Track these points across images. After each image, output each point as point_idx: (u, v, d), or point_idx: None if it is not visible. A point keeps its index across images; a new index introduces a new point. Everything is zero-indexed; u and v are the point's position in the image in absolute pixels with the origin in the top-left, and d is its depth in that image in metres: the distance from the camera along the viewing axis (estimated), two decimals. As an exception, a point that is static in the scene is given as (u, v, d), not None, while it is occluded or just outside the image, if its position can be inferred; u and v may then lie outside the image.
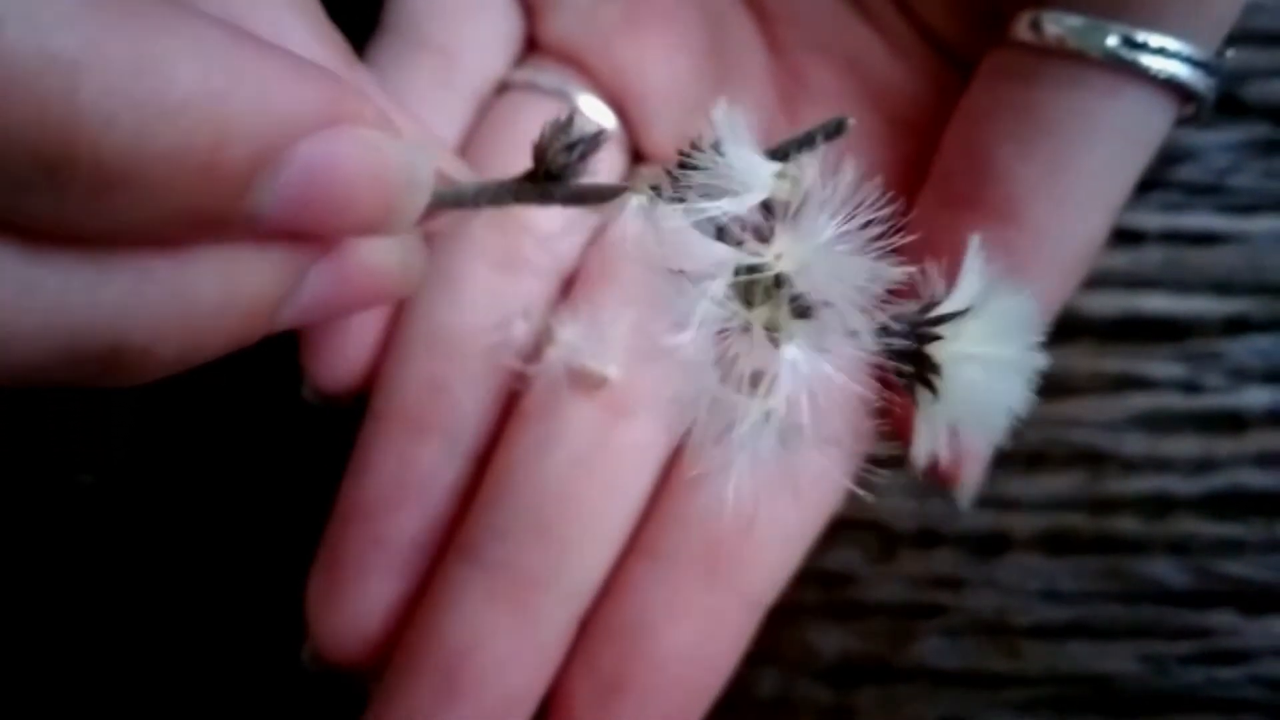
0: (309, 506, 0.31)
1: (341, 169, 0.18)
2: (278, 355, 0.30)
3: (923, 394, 0.18)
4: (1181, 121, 0.27)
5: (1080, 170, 0.26)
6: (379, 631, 0.29)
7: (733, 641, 0.29)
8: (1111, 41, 0.25)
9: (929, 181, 0.29)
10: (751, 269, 0.18)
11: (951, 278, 0.19)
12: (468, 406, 0.29)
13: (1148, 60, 0.25)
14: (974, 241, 0.19)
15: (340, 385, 0.30)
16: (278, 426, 0.35)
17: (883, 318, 0.18)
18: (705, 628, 0.28)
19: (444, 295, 0.30)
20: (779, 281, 0.18)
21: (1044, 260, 0.27)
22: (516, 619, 0.28)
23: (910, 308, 0.18)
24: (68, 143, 0.15)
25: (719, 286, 0.18)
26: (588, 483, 0.28)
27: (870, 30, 0.30)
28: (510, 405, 0.30)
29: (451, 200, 0.22)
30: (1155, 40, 0.25)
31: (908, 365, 0.18)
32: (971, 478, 0.28)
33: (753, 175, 0.18)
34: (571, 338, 0.28)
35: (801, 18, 0.30)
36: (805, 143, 0.19)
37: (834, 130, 0.19)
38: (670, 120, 0.31)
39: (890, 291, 0.18)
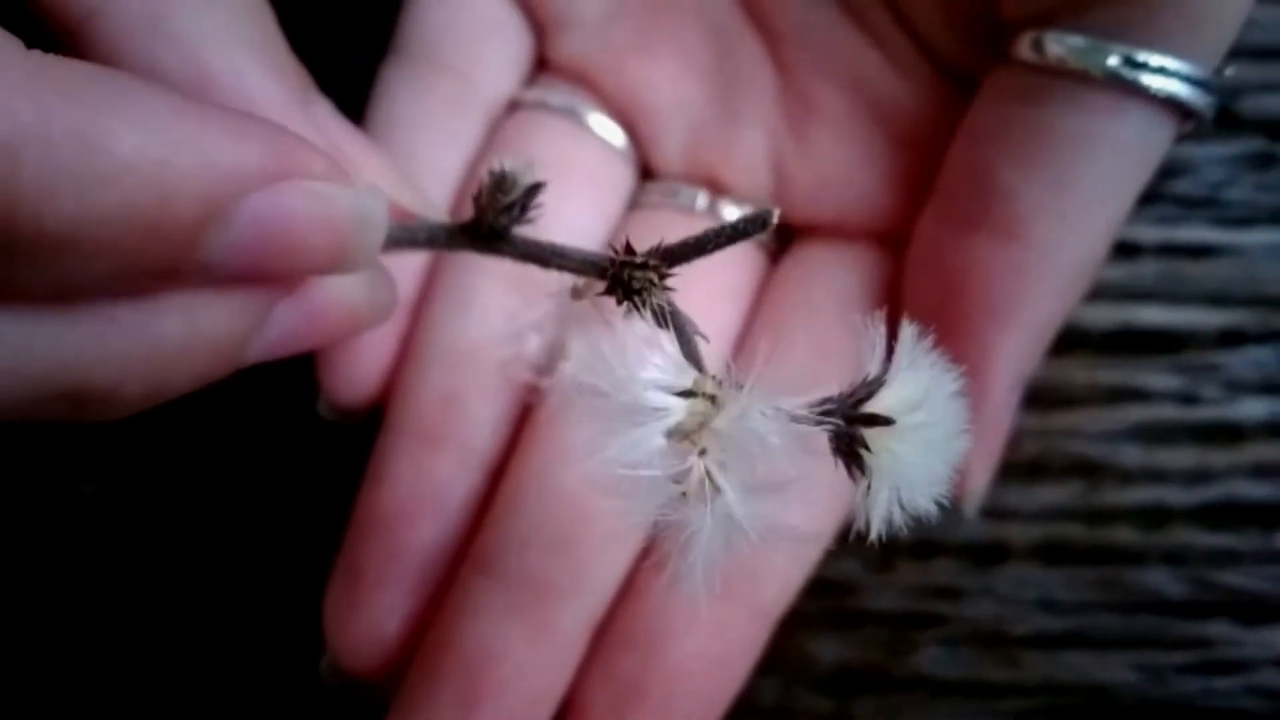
0: (316, 517, 0.31)
1: (290, 220, 0.19)
2: (290, 368, 0.31)
3: (858, 479, 0.20)
4: (1180, 138, 0.27)
5: (1083, 188, 0.27)
6: (397, 642, 0.29)
7: (744, 651, 0.29)
8: (1113, 61, 0.26)
9: (932, 199, 0.29)
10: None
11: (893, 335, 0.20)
12: (482, 419, 0.30)
13: (1148, 79, 0.26)
14: (906, 328, 0.19)
15: (356, 399, 0.31)
16: (285, 437, 0.35)
17: (814, 421, 0.19)
18: (717, 637, 0.29)
19: (458, 310, 0.30)
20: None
21: (1048, 277, 0.27)
22: (534, 628, 0.28)
23: (844, 400, 0.20)
24: (9, 218, 0.16)
25: (649, 476, 0.19)
26: (601, 494, 0.28)
27: (875, 50, 0.30)
28: (524, 418, 0.30)
29: (404, 240, 0.23)
30: (1155, 60, 0.25)
31: (844, 457, 0.20)
32: (976, 488, 0.29)
33: (662, 400, 0.19)
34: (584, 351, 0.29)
35: (808, 38, 0.31)
36: (734, 234, 0.20)
37: (758, 224, 0.20)
38: (679, 138, 0.32)
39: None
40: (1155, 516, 0.34)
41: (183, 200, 0.17)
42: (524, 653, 0.28)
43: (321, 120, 0.26)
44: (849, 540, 0.31)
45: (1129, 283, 0.35)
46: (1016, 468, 0.34)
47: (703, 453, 0.19)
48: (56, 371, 0.18)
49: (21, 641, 0.35)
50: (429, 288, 0.31)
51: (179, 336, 0.19)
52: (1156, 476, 0.35)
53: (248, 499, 0.35)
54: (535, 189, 0.22)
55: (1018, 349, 0.28)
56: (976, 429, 0.28)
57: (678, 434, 0.19)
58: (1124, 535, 0.34)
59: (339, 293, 0.22)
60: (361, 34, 0.31)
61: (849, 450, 0.20)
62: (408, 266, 0.31)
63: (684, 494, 0.19)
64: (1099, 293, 0.34)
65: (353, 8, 0.33)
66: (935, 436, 0.20)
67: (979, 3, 0.28)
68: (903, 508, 0.19)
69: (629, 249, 0.21)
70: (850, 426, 0.19)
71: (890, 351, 0.20)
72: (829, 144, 0.31)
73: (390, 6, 0.32)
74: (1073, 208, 0.27)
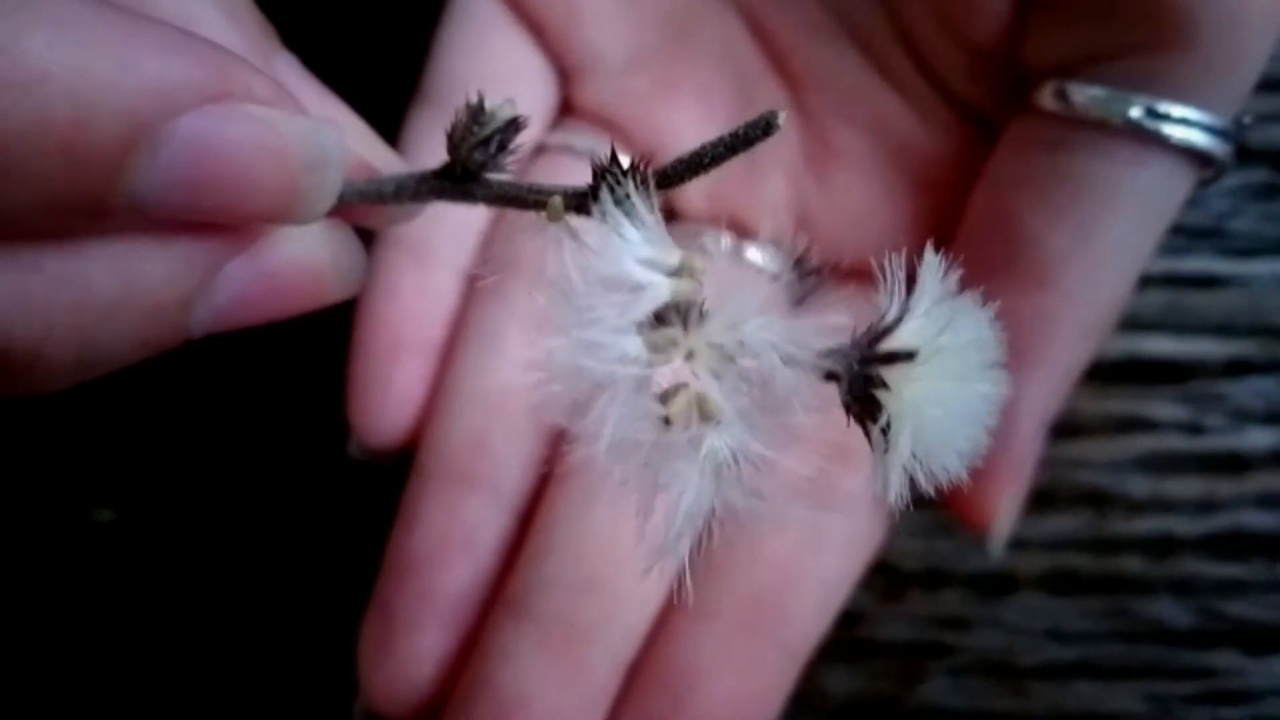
0: (345, 557, 0.31)
1: (230, 147, 0.17)
2: (319, 407, 0.31)
3: (876, 434, 0.17)
4: (1200, 183, 0.27)
5: (1108, 236, 0.27)
6: (431, 683, 0.29)
7: (774, 690, 0.30)
8: (1135, 112, 0.26)
9: (956, 244, 0.29)
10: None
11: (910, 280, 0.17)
12: (512, 462, 0.30)
13: (1170, 130, 0.26)
14: (930, 259, 0.17)
15: (386, 441, 0.31)
16: (314, 477, 0.35)
17: (827, 363, 0.17)
18: (748, 677, 0.29)
19: (487, 353, 0.30)
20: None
21: (1075, 322, 0.28)
22: (567, 669, 0.28)
23: (859, 340, 0.17)
24: None
25: (625, 395, 0.16)
26: (631, 534, 0.28)
27: (895, 94, 0.31)
28: (553, 459, 0.30)
29: (370, 194, 0.21)
30: (1178, 111, 0.26)
31: (858, 406, 0.17)
32: (1002, 527, 0.29)
33: (646, 275, 0.16)
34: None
35: (829, 83, 0.31)
36: (734, 144, 0.18)
37: (763, 129, 0.17)
38: (702, 181, 0.32)
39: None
40: (1162, 546, 0.35)
41: (104, 117, 0.15)
42: (556, 694, 0.28)
43: (284, 73, 0.23)
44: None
45: (1135, 313, 0.35)
46: (1025, 497, 0.34)
47: (690, 356, 0.16)
48: None
49: (36, 672, 0.35)
50: (458, 331, 0.31)
51: (111, 290, 0.17)
52: (1164, 506, 0.35)
53: (276, 540, 0.35)
54: (514, 124, 0.20)
55: (1044, 393, 0.28)
56: (1002, 471, 0.28)
57: (661, 339, 0.16)
58: (1132, 565, 0.35)
59: (297, 252, 0.19)
60: (389, 80, 0.31)
61: (864, 396, 0.17)
62: (437, 311, 0.31)
63: (665, 420, 0.16)
64: (1106, 323, 0.35)
65: (381, 54, 0.33)
66: (963, 368, 0.17)
67: (1001, 50, 0.28)
68: (926, 464, 0.17)
69: (614, 158, 0.18)
70: (866, 367, 0.17)
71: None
72: (850, 186, 0.31)
73: (418, 52, 0.32)
74: (1098, 255, 0.27)
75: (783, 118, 0.17)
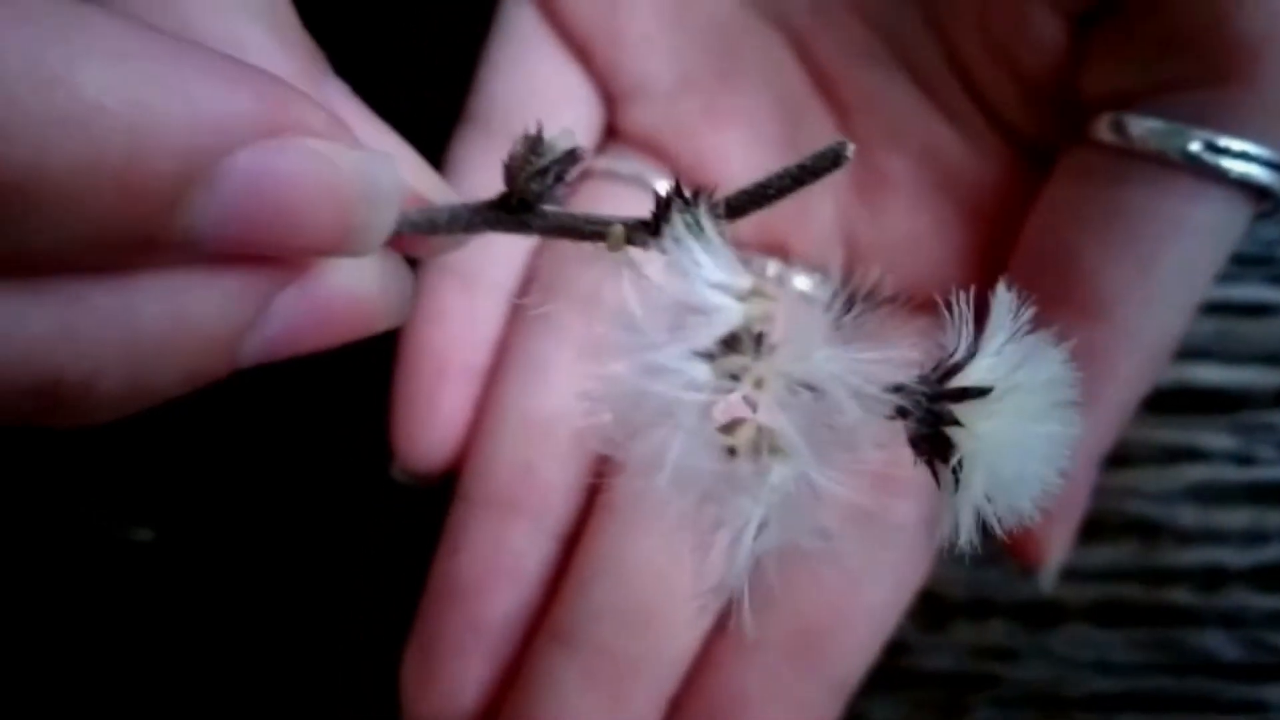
0: (386, 579, 0.31)
1: (287, 182, 0.16)
2: (362, 429, 0.31)
3: (944, 473, 0.17)
4: (1257, 217, 0.27)
5: (1166, 271, 0.27)
6: (474, 711, 0.29)
7: None
8: (1194, 146, 0.26)
9: (1009, 276, 0.29)
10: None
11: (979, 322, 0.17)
12: (557, 488, 0.30)
13: (1229, 164, 0.26)
14: (1002, 293, 0.17)
15: (430, 466, 0.31)
16: (357, 499, 0.35)
17: (895, 400, 0.16)
18: (794, 709, 0.29)
19: (532, 378, 0.30)
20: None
21: (1132, 357, 0.27)
22: (612, 701, 0.28)
23: (928, 377, 0.17)
24: None
25: (690, 423, 0.15)
26: (678, 563, 0.28)
27: (945, 121, 0.30)
28: (598, 486, 0.30)
29: (423, 224, 0.20)
30: (1237, 145, 0.25)
31: (927, 445, 0.17)
32: (1054, 562, 0.28)
33: (717, 299, 0.16)
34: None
35: (877, 109, 0.31)
36: (800, 176, 0.17)
37: (831, 161, 0.17)
38: None
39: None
40: (1212, 578, 0.34)
41: (160, 151, 0.15)
42: None
43: (334, 99, 0.22)
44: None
45: (1185, 341, 0.35)
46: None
47: (758, 384, 0.16)
48: (24, 358, 0.16)
49: (70, 691, 0.35)
50: (503, 355, 0.31)
51: (162, 324, 0.17)
52: (1213, 537, 0.35)
53: (317, 563, 0.35)
54: (572, 154, 0.20)
55: (1100, 428, 0.28)
56: (1056, 507, 0.28)
57: (729, 366, 0.16)
58: (1180, 596, 0.34)
59: (348, 282, 0.19)
60: (435, 103, 0.31)
61: (933, 435, 0.16)
62: (483, 335, 0.31)
63: (730, 450, 0.16)
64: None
65: (427, 77, 0.33)
66: (1038, 407, 0.16)
67: (1055, 79, 0.28)
68: (998, 505, 0.16)
69: (678, 189, 0.18)
70: (937, 403, 0.16)
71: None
72: (899, 214, 0.31)
73: (464, 75, 0.32)
74: (1156, 290, 0.27)
75: (850, 150, 0.17)
